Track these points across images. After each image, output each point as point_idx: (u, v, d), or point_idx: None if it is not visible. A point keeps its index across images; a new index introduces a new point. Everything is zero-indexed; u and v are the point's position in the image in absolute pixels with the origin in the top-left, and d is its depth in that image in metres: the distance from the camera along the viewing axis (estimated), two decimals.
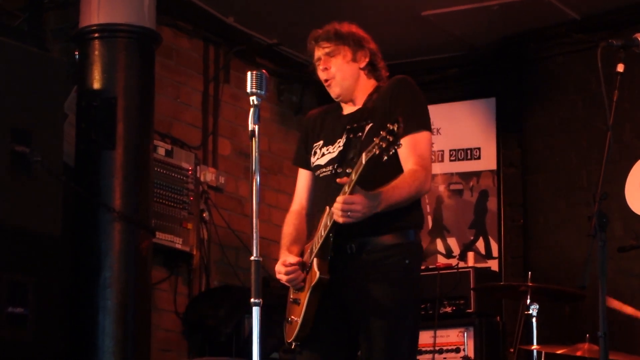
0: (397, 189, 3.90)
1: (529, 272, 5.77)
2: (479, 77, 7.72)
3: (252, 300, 3.44)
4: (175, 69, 6.97)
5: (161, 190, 6.47)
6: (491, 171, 7.59)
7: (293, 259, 4.07)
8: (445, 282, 6.75)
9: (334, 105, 4.30)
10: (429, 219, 7.71)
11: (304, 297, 4.02)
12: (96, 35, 5.74)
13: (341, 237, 3.95)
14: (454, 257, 7.52)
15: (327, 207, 3.93)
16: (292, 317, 4.09)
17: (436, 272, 6.83)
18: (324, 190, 4.12)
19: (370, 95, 4.17)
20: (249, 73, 3.58)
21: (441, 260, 7.49)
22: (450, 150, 7.70)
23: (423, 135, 4.04)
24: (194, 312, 6.73)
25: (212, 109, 7.22)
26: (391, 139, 3.59)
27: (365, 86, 4.20)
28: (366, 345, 3.96)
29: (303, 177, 4.32)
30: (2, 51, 5.14)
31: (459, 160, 7.69)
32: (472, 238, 7.56)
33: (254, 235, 3.49)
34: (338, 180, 3.87)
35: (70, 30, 6.01)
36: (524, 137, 7.50)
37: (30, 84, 5.24)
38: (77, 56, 5.85)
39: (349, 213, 3.78)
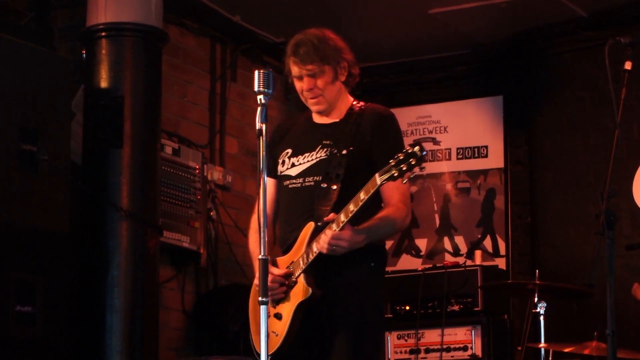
0: (381, 227, 4.01)
1: (537, 270, 5.75)
2: (486, 75, 7.71)
3: (259, 298, 3.44)
4: (182, 67, 6.97)
5: (168, 189, 6.47)
6: (499, 169, 7.58)
7: (278, 270, 4.06)
8: (453, 281, 6.75)
9: (301, 114, 4.26)
10: (437, 217, 7.70)
11: (288, 312, 4.01)
12: (103, 34, 5.74)
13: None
14: (461, 255, 7.51)
15: (312, 224, 3.98)
16: (273, 330, 4.05)
17: (443, 270, 6.83)
18: (291, 201, 4.13)
19: (349, 113, 4.15)
20: (256, 72, 3.58)
21: (449, 258, 7.48)
22: (458, 149, 7.69)
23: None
24: (202, 311, 6.73)
25: (219, 108, 7.22)
26: (413, 161, 3.67)
27: (343, 98, 4.20)
28: (332, 349, 3.98)
29: (267, 186, 4.29)
30: (9, 49, 5.15)
31: (466, 158, 7.68)
32: (479, 236, 7.55)
33: (262, 234, 3.48)
34: (325, 218, 3.93)
35: (77, 29, 6.01)
36: (531, 134, 7.48)
37: (37, 82, 5.24)
38: (84, 55, 5.85)
39: (334, 248, 3.88)
